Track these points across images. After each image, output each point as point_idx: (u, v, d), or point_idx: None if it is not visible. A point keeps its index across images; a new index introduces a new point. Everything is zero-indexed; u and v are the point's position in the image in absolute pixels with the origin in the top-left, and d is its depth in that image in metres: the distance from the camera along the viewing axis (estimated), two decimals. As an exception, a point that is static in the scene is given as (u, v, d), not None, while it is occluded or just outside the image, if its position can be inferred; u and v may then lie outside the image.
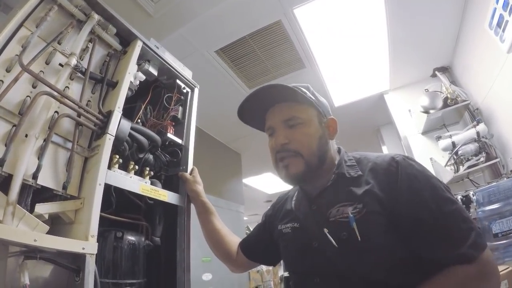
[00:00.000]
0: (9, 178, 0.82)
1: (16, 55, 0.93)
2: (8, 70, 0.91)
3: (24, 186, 0.86)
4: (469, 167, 2.88)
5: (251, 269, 1.15)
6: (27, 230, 0.81)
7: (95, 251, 0.89)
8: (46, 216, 0.89)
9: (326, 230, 0.91)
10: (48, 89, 0.95)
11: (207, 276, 2.50)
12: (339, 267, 0.88)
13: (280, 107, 1.05)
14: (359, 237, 0.84)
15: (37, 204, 0.88)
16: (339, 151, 1.11)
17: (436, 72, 3.61)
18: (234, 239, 1.38)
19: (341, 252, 0.87)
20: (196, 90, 1.67)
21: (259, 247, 1.28)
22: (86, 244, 0.87)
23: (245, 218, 3.90)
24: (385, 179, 0.90)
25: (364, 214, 0.87)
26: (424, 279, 0.79)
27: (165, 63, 1.46)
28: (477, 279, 0.77)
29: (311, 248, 0.95)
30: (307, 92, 1.05)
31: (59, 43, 1.08)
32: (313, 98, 1.05)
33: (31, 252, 0.82)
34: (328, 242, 0.89)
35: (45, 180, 0.92)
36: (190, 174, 1.44)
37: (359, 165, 1.00)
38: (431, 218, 0.81)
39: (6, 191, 0.79)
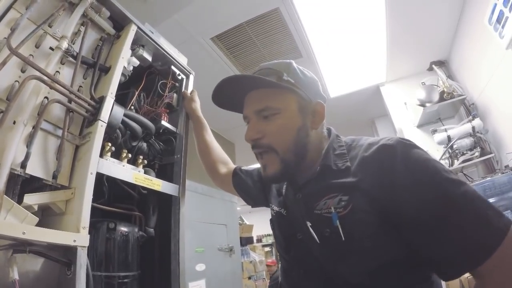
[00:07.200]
0: (-4, 167, 0.78)
1: (4, 38, 0.88)
2: (-5, 54, 0.86)
3: (12, 176, 0.83)
4: (463, 161, 2.89)
5: (229, 192, 1.26)
6: (16, 222, 0.78)
7: (87, 244, 0.86)
8: (36, 207, 0.86)
9: (309, 224, 0.84)
10: (37, 73, 0.90)
11: (200, 267, 2.49)
12: (322, 263, 0.82)
13: (253, 95, 0.92)
14: (343, 237, 0.76)
15: (25, 194, 0.84)
16: (329, 135, 0.97)
17: (433, 66, 3.60)
18: (220, 156, 1.47)
19: (324, 250, 0.81)
20: (192, 77, 1.63)
21: (247, 187, 1.30)
22: (78, 236, 0.84)
23: (238, 209, 3.88)
24: (376, 172, 0.77)
25: (349, 211, 0.77)
26: (415, 284, 0.73)
27: (160, 48, 1.42)
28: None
29: (296, 239, 0.88)
30: (284, 75, 0.89)
31: (50, 26, 1.04)
32: (292, 81, 0.89)
33: (20, 246, 0.79)
34: (311, 237, 0.82)
35: (34, 169, 0.88)
36: (190, 94, 1.56)
37: (350, 153, 0.88)
38: (435, 215, 0.68)
39: (-8, 180, 0.76)
